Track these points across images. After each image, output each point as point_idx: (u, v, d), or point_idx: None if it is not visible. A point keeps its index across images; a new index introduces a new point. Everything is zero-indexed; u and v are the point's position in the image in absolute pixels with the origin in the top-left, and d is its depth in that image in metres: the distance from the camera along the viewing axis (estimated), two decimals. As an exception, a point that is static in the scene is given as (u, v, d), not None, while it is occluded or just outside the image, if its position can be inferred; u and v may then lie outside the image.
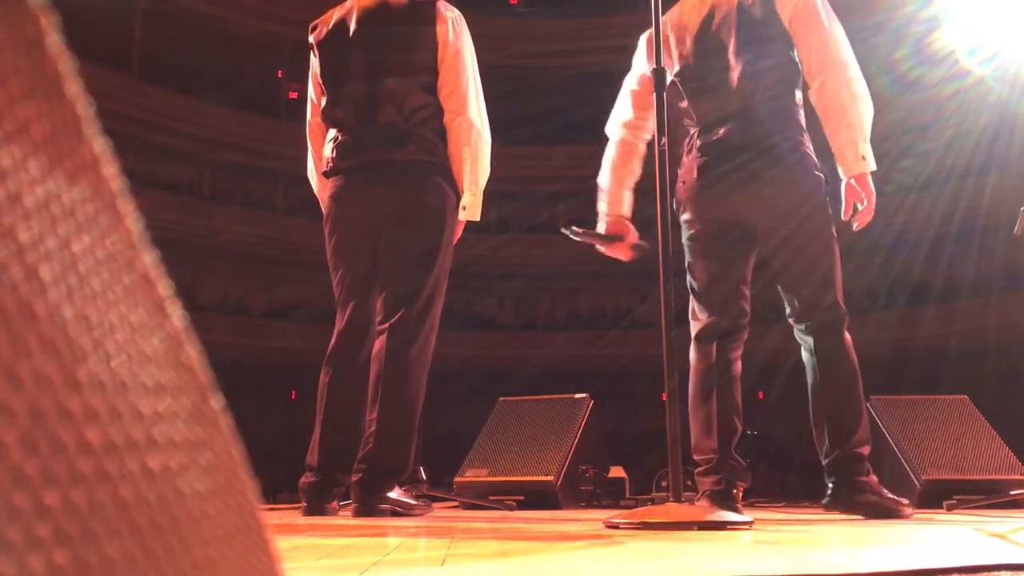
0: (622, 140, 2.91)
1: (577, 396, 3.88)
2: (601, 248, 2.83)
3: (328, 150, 2.91)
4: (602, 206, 2.87)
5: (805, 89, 2.69)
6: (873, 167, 2.63)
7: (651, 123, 2.91)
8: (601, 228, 2.85)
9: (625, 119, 2.92)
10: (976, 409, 3.60)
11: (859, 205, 2.64)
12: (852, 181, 2.62)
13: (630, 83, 2.96)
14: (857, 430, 2.55)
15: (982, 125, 6.40)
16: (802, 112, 2.68)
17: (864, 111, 2.61)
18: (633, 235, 2.82)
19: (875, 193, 2.64)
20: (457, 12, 2.92)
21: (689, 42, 2.72)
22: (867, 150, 2.61)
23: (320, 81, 2.98)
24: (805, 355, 2.66)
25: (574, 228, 2.64)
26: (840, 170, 2.63)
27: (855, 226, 2.67)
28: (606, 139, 3.01)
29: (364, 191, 2.83)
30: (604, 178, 2.90)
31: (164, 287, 0.33)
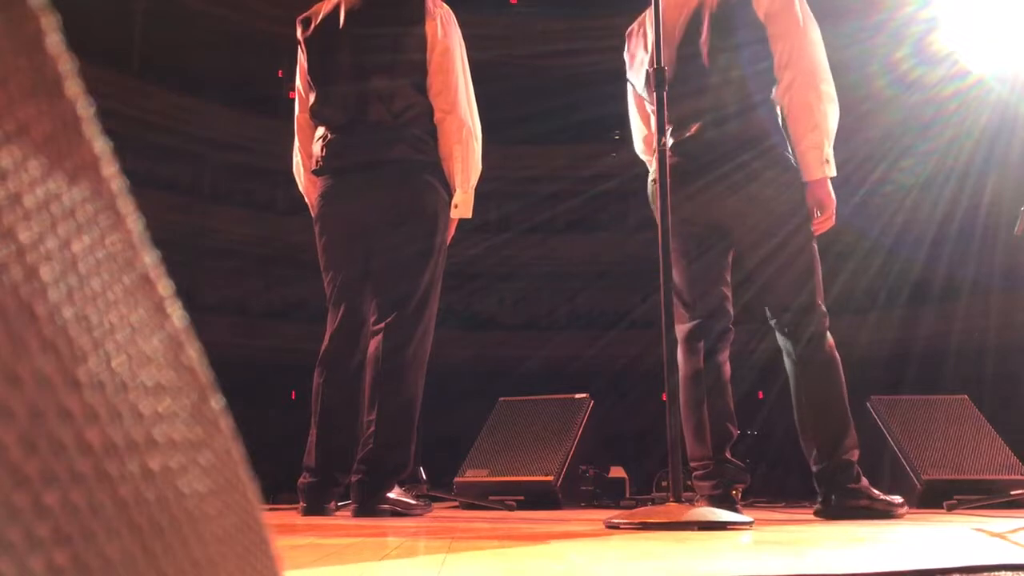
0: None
1: (577, 396, 3.88)
2: None
3: (317, 148, 2.89)
4: None
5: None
6: (834, 172, 2.61)
7: (651, 128, 2.92)
8: None
9: (643, 134, 2.94)
10: (976, 409, 3.60)
11: (817, 212, 2.63)
12: (812, 185, 2.61)
13: (630, 99, 2.98)
14: (844, 438, 2.53)
15: (982, 125, 6.39)
16: (779, 111, 2.67)
17: (831, 114, 2.59)
18: None
19: (835, 200, 2.63)
20: (446, 8, 2.90)
21: (665, 43, 2.70)
22: (831, 154, 2.59)
23: (308, 78, 2.96)
24: (787, 363, 2.64)
25: None
26: (801, 173, 2.62)
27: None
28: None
29: (355, 191, 2.81)
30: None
31: (164, 287, 0.32)
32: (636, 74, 2.86)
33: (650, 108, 2.80)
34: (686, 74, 2.64)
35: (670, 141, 2.66)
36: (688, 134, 2.63)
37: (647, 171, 2.86)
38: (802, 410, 2.59)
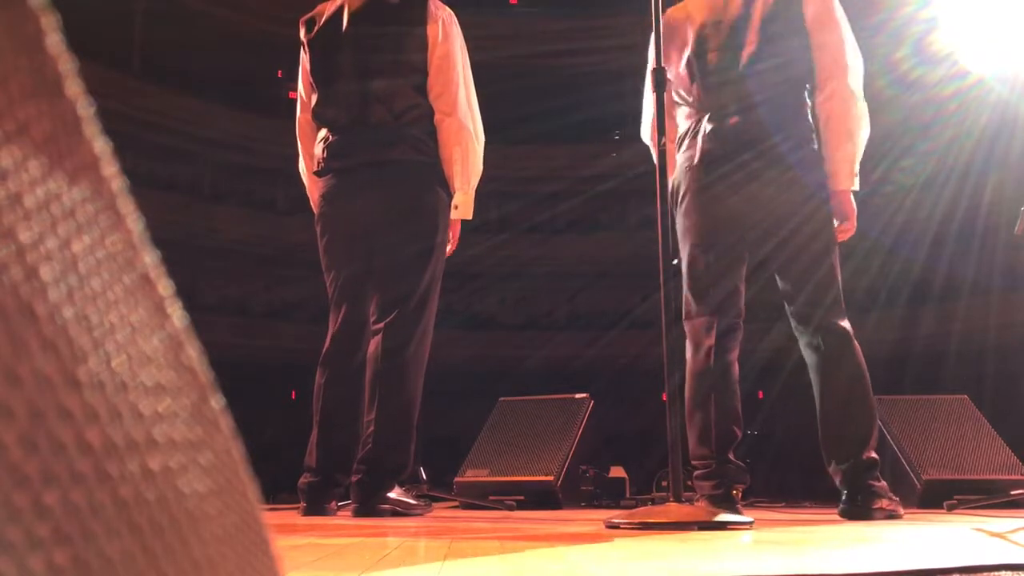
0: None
1: (577, 396, 3.88)
2: None
3: (319, 150, 2.90)
4: None
5: (814, 90, 2.68)
6: (859, 186, 2.64)
7: (677, 119, 2.89)
8: None
9: (651, 119, 2.93)
10: (976, 409, 3.60)
11: (841, 222, 2.65)
12: (838, 194, 2.62)
13: (647, 87, 2.96)
14: (870, 437, 2.54)
15: (982, 125, 6.39)
16: (810, 110, 2.68)
17: (866, 130, 2.63)
18: None
19: (856, 211, 2.65)
20: (448, 11, 2.91)
21: (706, 33, 2.71)
22: (858, 169, 2.63)
23: (311, 79, 2.97)
24: (809, 356, 2.63)
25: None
26: (830, 180, 2.64)
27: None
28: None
29: (356, 192, 2.82)
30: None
31: (164, 287, 0.32)
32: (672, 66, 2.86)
33: (676, 98, 2.80)
34: (726, 65, 2.66)
35: (708, 127, 2.67)
36: (728, 125, 2.64)
37: (649, 171, 2.86)
38: (827, 407, 2.58)
